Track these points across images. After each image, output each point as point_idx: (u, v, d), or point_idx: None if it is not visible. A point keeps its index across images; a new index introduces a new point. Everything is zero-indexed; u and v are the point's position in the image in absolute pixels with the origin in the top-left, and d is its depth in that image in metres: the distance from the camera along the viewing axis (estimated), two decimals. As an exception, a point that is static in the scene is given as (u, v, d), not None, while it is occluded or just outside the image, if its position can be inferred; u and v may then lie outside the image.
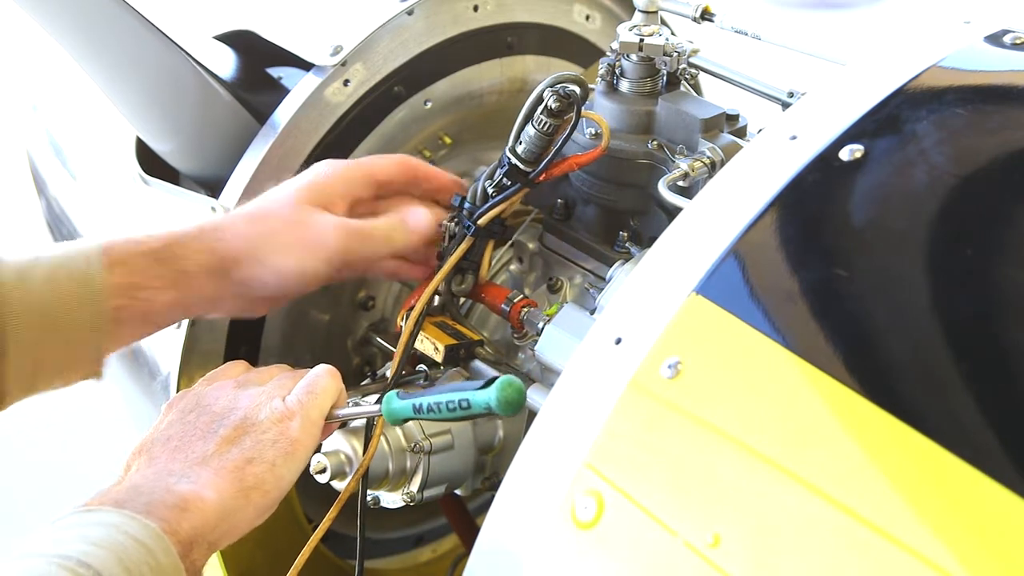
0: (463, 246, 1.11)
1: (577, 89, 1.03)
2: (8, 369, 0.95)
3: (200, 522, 0.84)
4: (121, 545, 0.78)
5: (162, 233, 1.02)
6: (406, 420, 0.94)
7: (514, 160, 1.07)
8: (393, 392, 0.96)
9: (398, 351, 1.08)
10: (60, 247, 0.99)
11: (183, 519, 0.83)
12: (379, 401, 0.96)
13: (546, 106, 1.03)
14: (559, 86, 1.03)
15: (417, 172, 1.14)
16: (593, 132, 1.09)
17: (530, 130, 1.05)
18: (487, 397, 0.88)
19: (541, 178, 1.07)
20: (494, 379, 0.89)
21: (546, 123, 1.04)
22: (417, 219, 1.11)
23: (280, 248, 1.04)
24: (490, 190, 1.10)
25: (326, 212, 1.07)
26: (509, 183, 1.08)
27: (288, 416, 0.93)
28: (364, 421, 1.05)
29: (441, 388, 0.93)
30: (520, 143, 1.06)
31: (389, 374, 1.17)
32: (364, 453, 1.01)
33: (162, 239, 1.01)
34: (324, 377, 0.97)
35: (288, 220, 1.05)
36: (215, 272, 1.03)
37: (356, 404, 1.00)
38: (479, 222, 1.10)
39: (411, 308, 1.12)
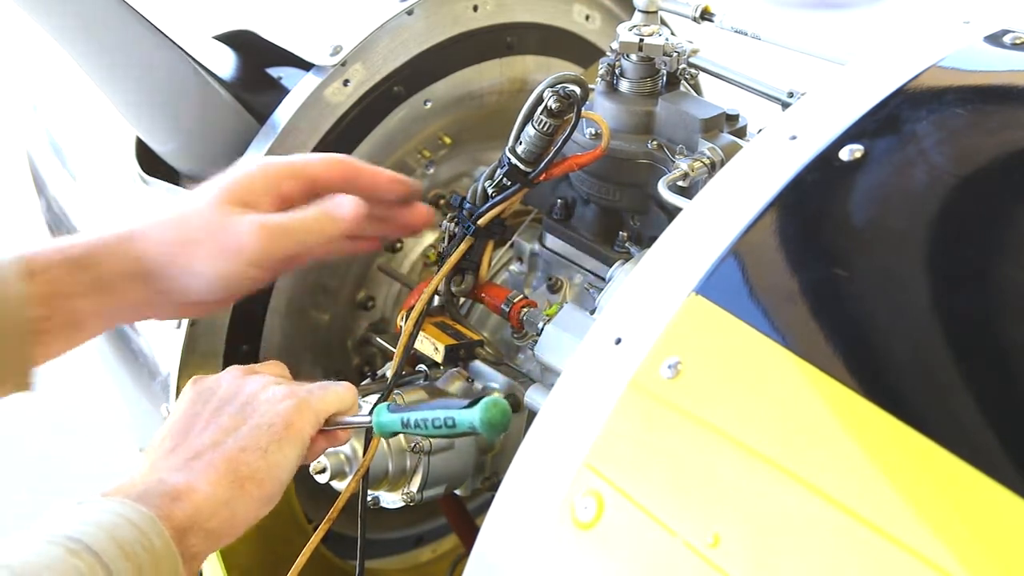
0: (463, 246, 1.11)
1: (577, 89, 1.03)
2: None
3: (192, 510, 0.84)
4: (115, 524, 0.78)
5: (84, 239, 0.99)
6: (394, 434, 0.95)
7: (514, 160, 1.07)
8: (384, 405, 0.96)
9: (398, 351, 1.08)
10: None
11: (175, 507, 0.83)
12: (372, 412, 0.97)
13: (546, 106, 1.03)
14: (559, 86, 1.03)
15: (351, 171, 1.09)
16: (593, 132, 1.09)
17: (530, 130, 1.05)
18: (471, 418, 0.88)
19: (541, 178, 1.07)
20: (480, 398, 0.89)
21: (546, 123, 1.04)
22: (341, 205, 1.05)
23: (199, 254, 1.00)
24: (490, 190, 1.10)
25: (247, 211, 1.02)
26: (509, 183, 1.08)
27: (287, 397, 0.92)
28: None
29: (430, 404, 0.94)
30: (520, 143, 1.06)
31: (389, 374, 1.17)
32: (364, 454, 1.01)
33: (83, 245, 0.98)
34: (341, 385, 0.97)
35: (206, 224, 1.00)
36: (137, 278, 0.99)
37: None
38: (479, 222, 1.10)
39: (411, 308, 1.12)
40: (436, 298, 1.13)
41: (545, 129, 1.05)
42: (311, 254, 1.06)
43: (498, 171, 1.09)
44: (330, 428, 0.96)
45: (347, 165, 1.09)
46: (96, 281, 0.97)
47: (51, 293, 0.95)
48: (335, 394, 0.96)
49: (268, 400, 0.92)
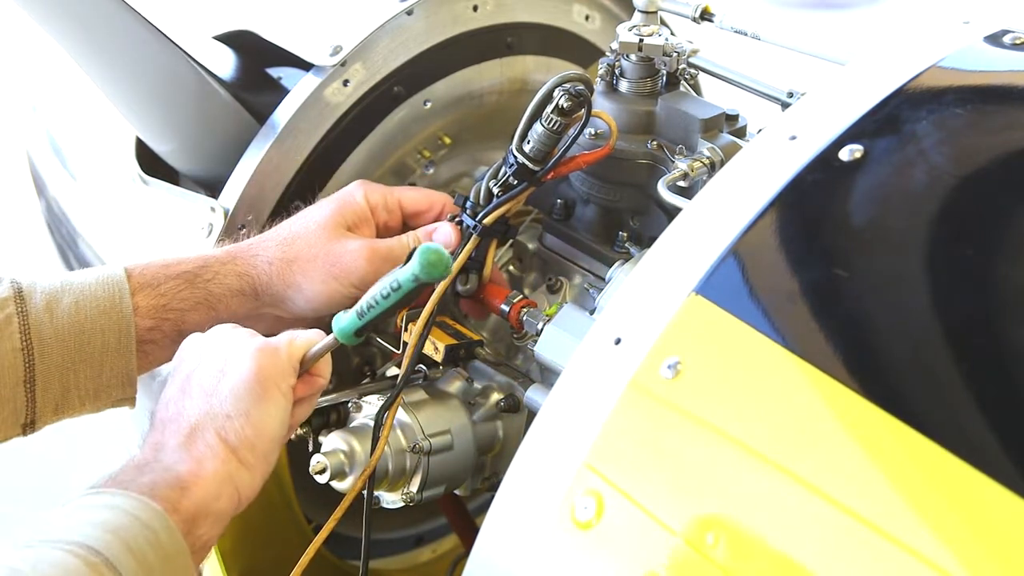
0: (470, 245, 1.11)
1: (586, 88, 1.03)
2: (38, 394, 0.98)
3: (201, 496, 0.85)
4: (126, 527, 0.79)
5: (193, 256, 1.06)
6: (358, 331, 0.94)
7: (521, 159, 1.07)
8: (340, 312, 0.95)
9: (407, 354, 1.07)
10: (88, 273, 1.02)
11: (183, 499, 0.84)
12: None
13: (557, 104, 1.03)
14: (569, 85, 1.03)
15: (444, 207, 1.15)
16: (593, 132, 1.09)
17: (538, 128, 1.05)
18: (412, 269, 0.87)
19: (549, 176, 1.07)
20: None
21: (556, 121, 1.04)
22: (441, 233, 1.12)
23: (309, 274, 1.07)
24: (495, 189, 1.10)
25: (353, 235, 1.10)
26: (516, 182, 1.08)
27: (254, 342, 0.93)
28: (367, 422, 1.05)
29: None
30: (528, 142, 1.06)
31: (389, 374, 1.17)
32: (372, 454, 1.01)
33: (192, 262, 1.05)
34: (306, 332, 0.97)
35: (317, 246, 1.08)
36: (246, 295, 1.06)
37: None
38: (485, 221, 1.10)
39: (410, 308, 1.12)
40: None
41: (555, 127, 1.05)
42: None
43: (503, 170, 1.09)
44: (308, 362, 0.95)
45: (440, 200, 1.16)
46: (206, 296, 1.04)
47: (159, 306, 1.03)
48: (304, 338, 0.96)
49: (239, 355, 0.92)
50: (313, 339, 0.96)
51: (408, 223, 1.16)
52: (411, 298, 0.91)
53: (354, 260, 1.07)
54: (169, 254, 1.06)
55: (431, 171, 1.35)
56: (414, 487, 1.07)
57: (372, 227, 1.13)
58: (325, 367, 0.98)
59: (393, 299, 0.90)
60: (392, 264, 1.08)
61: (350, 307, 0.94)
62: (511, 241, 1.21)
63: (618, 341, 0.83)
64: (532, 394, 1.07)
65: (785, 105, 1.14)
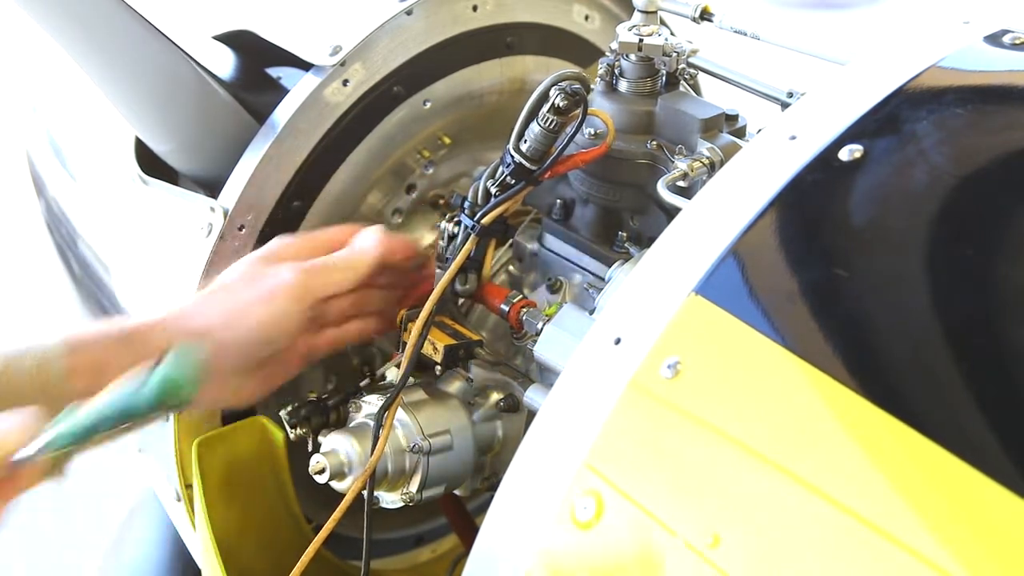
0: (468, 245, 1.11)
1: (582, 87, 1.03)
2: None
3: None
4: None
5: (129, 321, 1.02)
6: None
7: (518, 158, 1.07)
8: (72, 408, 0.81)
9: (406, 355, 1.07)
10: (20, 340, 0.99)
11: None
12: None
13: (553, 104, 1.03)
14: (566, 84, 1.03)
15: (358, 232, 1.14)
16: (592, 132, 1.09)
17: (535, 128, 1.05)
18: (148, 395, 0.77)
19: (546, 175, 1.08)
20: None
21: (552, 120, 1.04)
22: (363, 240, 1.11)
23: (246, 305, 1.04)
24: (493, 189, 1.10)
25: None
26: (513, 181, 1.08)
27: None
28: (367, 422, 1.05)
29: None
30: (524, 141, 1.06)
31: (389, 375, 1.17)
32: (371, 454, 1.01)
33: (127, 326, 1.02)
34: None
35: (246, 279, 1.06)
36: None
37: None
38: (483, 221, 1.10)
39: (410, 308, 1.12)
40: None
41: (551, 127, 1.05)
42: (366, 298, 1.12)
43: (501, 169, 1.09)
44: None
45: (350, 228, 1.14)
46: (141, 356, 0.97)
47: (93, 363, 0.99)
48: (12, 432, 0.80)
49: None
50: (22, 434, 0.79)
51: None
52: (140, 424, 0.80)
53: (287, 276, 1.06)
54: (112, 320, 1.03)
55: (431, 171, 1.35)
56: (414, 487, 1.07)
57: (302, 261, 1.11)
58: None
59: (114, 426, 0.78)
60: (327, 278, 1.07)
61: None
62: (510, 241, 1.21)
63: (618, 341, 0.83)
64: (532, 394, 1.07)
65: (785, 105, 1.14)
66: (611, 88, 1.13)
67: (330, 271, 1.09)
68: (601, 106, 1.11)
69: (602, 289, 1.09)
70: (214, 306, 1.05)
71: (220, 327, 1.03)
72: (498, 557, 0.83)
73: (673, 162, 1.06)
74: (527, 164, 1.07)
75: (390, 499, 1.09)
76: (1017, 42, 0.96)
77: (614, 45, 1.10)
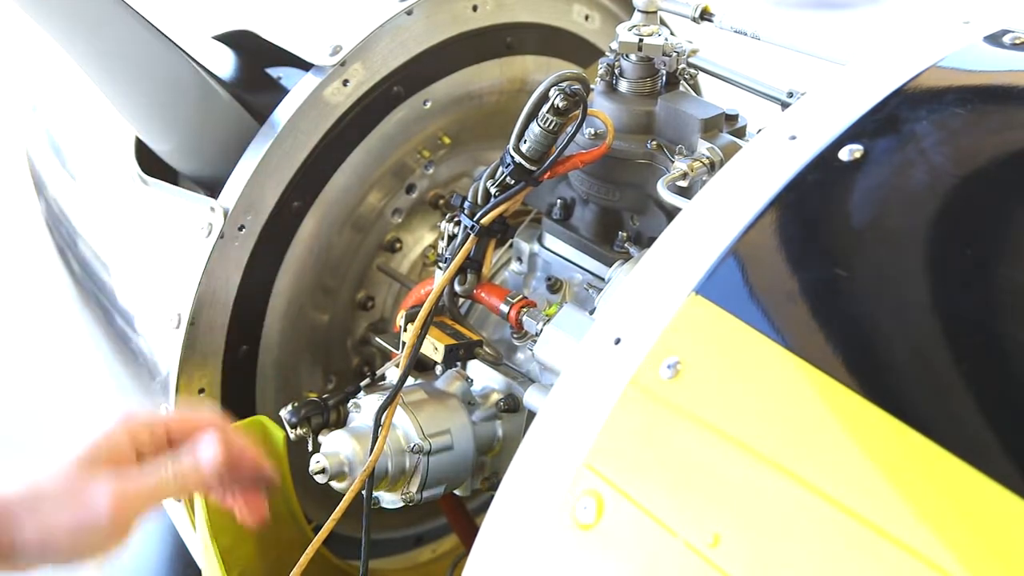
0: (468, 245, 1.11)
1: (582, 87, 1.03)
2: None
3: None
4: None
5: None
6: None
7: (518, 158, 1.07)
8: None
9: (405, 355, 1.07)
10: None
11: None
12: None
13: (553, 104, 1.03)
14: (565, 84, 1.03)
15: (211, 426, 0.98)
16: (592, 132, 1.09)
17: (535, 128, 1.05)
18: None
19: (546, 176, 1.08)
20: None
21: (552, 121, 1.04)
22: (203, 450, 0.95)
23: (58, 531, 0.91)
24: (492, 189, 1.10)
25: (105, 477, 0.92)
26: (513, 182, 1.08)
27: None
28: (367, 422, 1.05)
29: None
30: (524, 141, 1.06)
31: (389, 375, 1.17)
32: (371, 454, 1.01)
33: None
34: None
35: (61, 493, 0.92)
36: None
37: None
38: (483, 221, 1.10)
39: (410, 308, 1.12)
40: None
41: (551, 127, 1.05)
42: None
43: (500, 170, 1.09)
44: None
45: (208, 419, 0.99)
46: None
47: None
48: None
49: None
50: None
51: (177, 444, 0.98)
52: None
53: (101, 509, 0.91)
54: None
55: (430, 171, 1.35)
56: (414, 487, 1.07)
57: (134, 456, 0.95)
58: None
59: None
60: (148, 502, 0.93)
61: None
62: (510, 241, 1.21)
63: (618, 341, 0.83)
64: (531, 394, 1.07)
65: (785, 105, 1.14)
66: (611, 88, 1.13)
67: (151, 496, 0.95)
68: (601, 106, 1.11)
69: (602, 289, 1.09)
70: (27, 522, 0.92)
71: (33, 545, 0.91)
72: (498, 557, 0.83)
73: (673, 162, 1.06)
74: (527, 164, 1.07)
75: (390, 499, 1.09)
76: (1017, 42, 0.96)
77: (614, 45, 1.10)
